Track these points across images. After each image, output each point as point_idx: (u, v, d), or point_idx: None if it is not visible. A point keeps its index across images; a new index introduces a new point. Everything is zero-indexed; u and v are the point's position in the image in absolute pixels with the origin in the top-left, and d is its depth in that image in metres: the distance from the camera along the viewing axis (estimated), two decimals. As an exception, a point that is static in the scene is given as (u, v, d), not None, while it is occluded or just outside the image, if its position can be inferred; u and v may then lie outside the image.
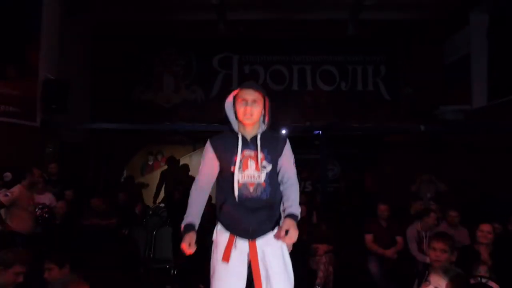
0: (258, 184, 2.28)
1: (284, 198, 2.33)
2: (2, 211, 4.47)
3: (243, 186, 2.27)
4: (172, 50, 10.51)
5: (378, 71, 10.48)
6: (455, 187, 7.37)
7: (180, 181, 7.83)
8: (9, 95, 5.64)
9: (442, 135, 8.96)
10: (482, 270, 3.16)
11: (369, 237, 4.91)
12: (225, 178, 2.33)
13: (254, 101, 2.27)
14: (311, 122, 9.14)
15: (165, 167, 9.60)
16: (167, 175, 8.98)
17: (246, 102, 2.26)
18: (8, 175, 5.14)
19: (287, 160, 2.39)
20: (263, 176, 2.29)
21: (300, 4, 9.17)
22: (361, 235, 5.05)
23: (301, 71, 10.46)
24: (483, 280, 2.97)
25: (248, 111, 2.26)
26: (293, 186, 2.37)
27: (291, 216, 2.25)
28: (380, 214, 5.03)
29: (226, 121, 2.36)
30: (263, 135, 2.34)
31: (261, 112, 2.33)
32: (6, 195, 4.43)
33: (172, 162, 9.40)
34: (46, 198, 5.12)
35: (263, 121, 2.38)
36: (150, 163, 10.35)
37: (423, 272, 3.07)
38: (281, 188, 2.36)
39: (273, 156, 2.32)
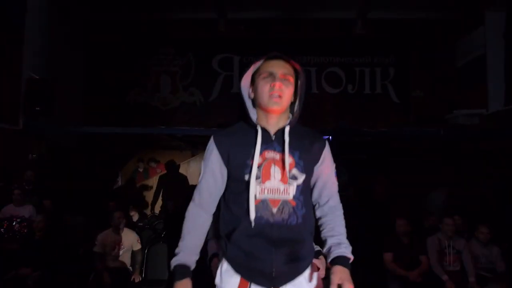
0: (285, 203, 1.60)
1: (326, 230, 1.66)
2: None
3: (262, 205, 1.59)
4: (170, 50, 10.05)
5: (386, 73, 10.01)
6: (475, 200, 6.88)
7: (178, 189, 7.31)
8: (-13, 96, 5.11)
9: (460, 141, 8.48)
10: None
11: (388, 256, 4.34)
12: (235, 192, 1.65)
13: (285, 77, 1.61)
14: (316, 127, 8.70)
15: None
16: (165, 181, 8.43)
17: (273, 76, 1.61)
18: (-16, 185, 4.59)
19: (327, 170, 1.70)
20: (292, 191, 1.61)
21: (304, 3, 8.82)
22: (378, 253, 4.50)
23: (306, 73, 9.78)
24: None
25: (277, 86, 1.58)
26: (337, 210, 1.71)
27: (342, 260, 1.57)
28: (398, 229, 4.48)
29: (241, 110, 1.68)
30: (293, 130, 1.66)
31: (292, 94, 1.66)
32: None
33: (171, 167, 8.85)
34: (26, 211, 4.57)
35: (291, 111, 1.72)
36: (141, 170, 9.81)
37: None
38: (319, 212, 1.72)
39: (307, 162, 1.64)
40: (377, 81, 10.01)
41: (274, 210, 1.58)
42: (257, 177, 1.58)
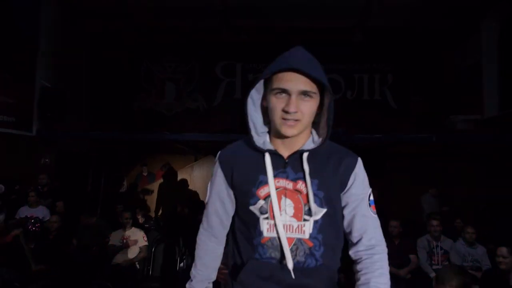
0: (299, 242, 1.32)
1: (359, 274, 1.35)
2: None
3: (272, 244, 1.33)
4: (174, 57, 10.38)
5: (385, 79, 10.29)
6: (466, 201, 7.14)
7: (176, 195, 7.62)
8: (4, 103, 5.41)
9: (455, 146, 8.73)
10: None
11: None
12: (243, 221, 1.40)
13: (305, 95, 1.28)
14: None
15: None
16: (163, 188, 8.72)
17: (287, 97, 1.27)
18: (1, 188, 4.91)
19: (357, 198, 1.37)
20: (308, 229, 1.32)
21: (305, 11, 9.02)
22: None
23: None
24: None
25: (292, 107, 1.26)
26: (375, 255, 1.35)
27: None
28: (391, 230, 4.75)
29: (245, 126, 1.37)
30: (314, 153, 1.35)
31: (315, 111, 1.33)
32: None
33: (168, 175, 9.10)
34: (39, 212, 4.87)
35: (315, 130, 1.41)
36: (145, 174, 10.08)
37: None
38: (353, 254, 1.39)
39: (329, 192, 1.33)
40: (375, 87, 10.30)
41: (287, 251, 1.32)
42: (263, 212, 1.32)
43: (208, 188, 1.49)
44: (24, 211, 4.84)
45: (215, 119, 9.72)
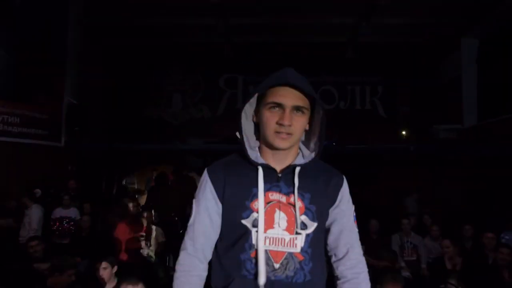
0: (290, 256, 1.33)
1: None
2: None
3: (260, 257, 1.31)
4: (181, 70, 11.20)
5: (375, 91, 11.12)
6: (446, 201, 7.97)
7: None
8: (38, 119, 6.27)
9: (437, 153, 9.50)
10: (454, 279, 3.70)
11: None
12: (227, 239, 1.38)
13: (298, 110, 1.31)
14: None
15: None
16: (154, 194, 8.87)
17: (281, 111, 1.30)
18: (38, 191, 5.74)
19: (344, 215, 1.43)
20: (300, 243, 1.33)
21: (301, 28, 9.76)
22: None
23: (303, 90, 11.08)
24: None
25: (286, 120, 1.29)
26: (360, 271, 1.42)
27: None
28: (370, 228, 5.60)
29: (239, 139, 1.40)
30: (305, 168, 1.38)
31: (305, 127, 1.37)
32: None
33: (159, 180, 9.25)
34: (72, 212, 5.70)
35: (305, 144, 1.46)
36: (154, 177, 10.79)
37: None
38: (338, 268, 1.43)
39: (319, 208, 1.37)
40: (366, 98, 11.15)
41: (276, 265, 1.31)
42: (256, 224, 1.31)
43: (194, 207, 1.41)
44: (59, 212, 5.67)
45: (219, 127, 10.40)
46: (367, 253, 4.98)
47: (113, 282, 3.18)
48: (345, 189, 1.43)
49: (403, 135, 10.18)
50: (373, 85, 11.14)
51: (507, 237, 5.27)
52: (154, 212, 6.60)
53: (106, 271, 3.18)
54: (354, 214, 1.47)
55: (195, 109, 11.19)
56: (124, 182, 10.79)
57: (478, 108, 9.36)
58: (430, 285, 3.90)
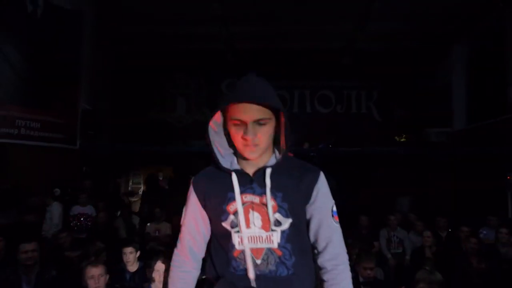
0: (269, 252, 1.42)
1: (327, 284, 1.48)
2: None
3: (243, 256, 1.43)
4: (185, 75, 11.79)
5: (370, 95, 11.65)
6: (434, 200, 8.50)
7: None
8: (56, 124, 6.80)
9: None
10: (429, 265, 4.23)
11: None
12: (217, 240, 1.51)
13: (259, 123, 1.38)
14: (309, 142, 10.14)
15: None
16: (146, 196, 9.38)
17: (244, 126, 1.38)
18: (57, 190, 6.27)
19: (321, 210, 1.49)
20: (276, 238, 1.42)
21: (299, 35, 10.23)
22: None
23: (301, 95, 11.64)
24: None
25: (249, 141, 1.38)
26: (339, 262, 1.49)
27: None
28: (361, 223, 6.14)
29: (210, 151, 1.50)
30: (276, 168, 1.45)
31: (272, 133, 1.44)
32: None
33: (150, 181, 9.84)
34: (88, 210, 6.24)
35: (275, 146, 1.51)
36: (161, 178, 11.25)
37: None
38: (319, 262, 1.50)
39: (293, 204, 1.44)
40: (362, 102, 11.68)
41: (258, 261, 1.41)
42: (234, 225, 1.42)
43: (184, 211, 1.55)
44: (76, 209, 6.20)
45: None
46: (356, 245, 5.54)
47: (136, 266, 3.73)
48: (321, 185, 1.48)
49: (397, 138, 10.61)
50: (369, 90, 11.65)
51: (484, 232, 5.82)
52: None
53: (132, 255, 3.71)
54: (334, 209, 1.51)
55: (198, 112, 11.70)
56: (131, 183, 11.35)
57: (467, 113, 9.87)
58: (410, 271, 4.41)
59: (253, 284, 1.40)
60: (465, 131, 9.67)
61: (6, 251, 3.79)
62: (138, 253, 3.81)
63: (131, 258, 3.70)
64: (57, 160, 6.79)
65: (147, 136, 10.68)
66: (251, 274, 1.40)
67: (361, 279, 3.55)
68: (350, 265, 1.53)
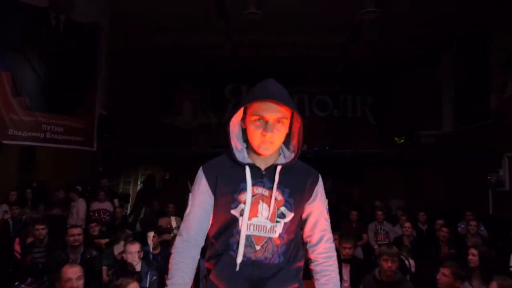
0: (270, 241, 1.56)
1: (321, 280, 1.64)
2: None
3: (246, 241, 1.55)
4: (190, 81, 12.47)
5: (365, 100, 12.33)
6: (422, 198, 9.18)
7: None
8: (77, 128, 7.54)
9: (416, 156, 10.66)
10: (405, 251, 4.93)
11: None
12: (221, 226, 1.60)
13: (278, 121, 1.49)
14: (307, 144, 10.77)
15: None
16: (142, 196, 9.65)
17: (264, 123, 1.49)
18: (78, 188, 6.99)
19: (320, 207, 1.65)
20: (279, 229, 1.55)
21: (298, 45, 10.79)
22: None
23: (300, 99, 12.31)
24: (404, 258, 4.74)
25: (267, 139, 1.50)
26: (332, 255, 1.66)
27: None
28: (351, 217, 6.84)
29: (227, 143, 1.59)
30: (286, 167, 1.58)
31: (285, 134, 1.56)
32: None
33: (147, 182, 10.32)
34: (107, 205, 6.95)
35: (287, 147, 1.64)
36: (167, 177, 11.78)
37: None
38: (313, 253, 1.67)
39: (297, 201, 1.58)
40: (357, 106, 12.36)
41: (258, 247, 1.53)
42: (243, 213, 1.52)
43: (190, 199, 1.61)
44: (96, 205, 6.91)
45: (224, 132, 11.47)
46: (347, 237, 6.19)
47: (158, 249, 4.43)
48: (320, 186, 1.63)
49: (397, 140, 11.18)
50: (364, 94, 12.32)
51: (462, 225, 6.51)
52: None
53: (154, 238, 4.41)
54: (327, 206, 1.68)
55: (203, 116, 12.40)
56: (139, 182, 12.03)
57: (454, 117, 10.49)
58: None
59: (237, 268, 1.52)
60: (452, 133, 10.26)
61: (49, 238, 4.48)
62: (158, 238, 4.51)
63: (154, 241, 4.40)
64: (77, 161, 7.51)
65: (155, 138, 11.38)
66: (239, 259, 1.52)
67: (342, 257, 4.27)
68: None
